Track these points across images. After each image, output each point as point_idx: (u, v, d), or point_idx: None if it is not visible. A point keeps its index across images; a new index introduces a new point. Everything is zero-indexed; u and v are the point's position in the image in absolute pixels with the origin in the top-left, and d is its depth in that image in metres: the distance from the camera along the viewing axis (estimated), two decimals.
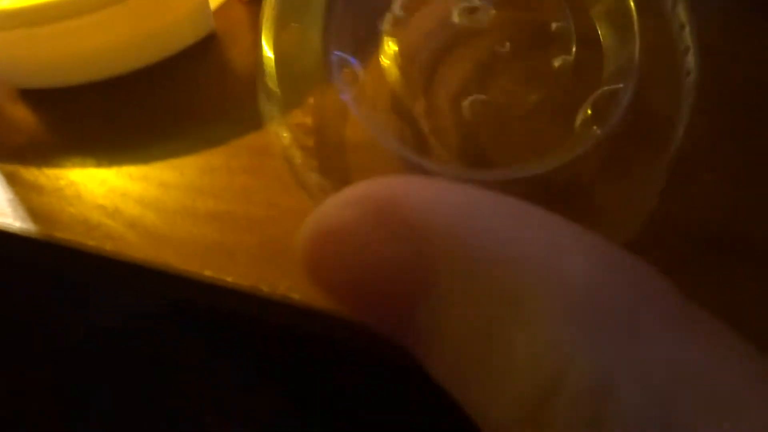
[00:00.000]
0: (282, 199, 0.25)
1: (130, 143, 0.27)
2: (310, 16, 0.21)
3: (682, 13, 0.19)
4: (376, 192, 0.11)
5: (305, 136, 0.20)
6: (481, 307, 0.10)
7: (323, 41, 0.20)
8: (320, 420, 0.45)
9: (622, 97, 0.18)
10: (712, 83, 0.19)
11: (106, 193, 0.26)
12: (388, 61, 0.19)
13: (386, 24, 0.19)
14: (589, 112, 0.18)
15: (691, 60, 0.19)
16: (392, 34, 0.19)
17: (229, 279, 0.23)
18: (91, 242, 0.25)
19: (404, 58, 0.19)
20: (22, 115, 0.29)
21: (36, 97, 0.29)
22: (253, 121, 0.26)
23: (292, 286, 0.23)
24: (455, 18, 0.19)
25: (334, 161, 0.20)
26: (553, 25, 0.20)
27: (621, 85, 0.19)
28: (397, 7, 0.19)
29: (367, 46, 0.20)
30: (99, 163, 0.27)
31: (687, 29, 0.19)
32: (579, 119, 0.18)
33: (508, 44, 0.19)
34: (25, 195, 0.26)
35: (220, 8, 0.30)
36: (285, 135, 0.19)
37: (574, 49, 0.19)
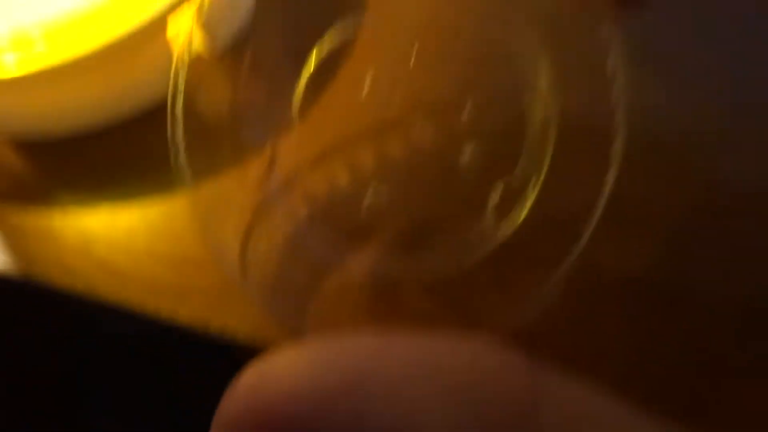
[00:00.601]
0: (237, 243, 0.28)
1: (105, 188, 0.30)
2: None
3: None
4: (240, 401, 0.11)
5: None
6: None
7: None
8: None
9: (528, 193, 0.19)
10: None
11: (78, 235, 0.29)
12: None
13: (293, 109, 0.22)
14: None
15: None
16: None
17: (182, 316, 0.26)
18: (65, 281, 0.28)
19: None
20: (2, 159, 0.32)
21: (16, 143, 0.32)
22: (215, 174, 0.29)
23: (239, 327, 0.26)
24: (363, 103, 0.21)
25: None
26: (465, 113, 0.21)
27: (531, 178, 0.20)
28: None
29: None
30: (74, 208, 0.30)
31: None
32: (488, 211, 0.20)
33: (417, 133, 0.21)
34: (4, 235, 0.29)
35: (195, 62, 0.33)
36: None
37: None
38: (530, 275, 0.20)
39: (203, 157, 0.24)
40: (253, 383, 0.11)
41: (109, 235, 0.29)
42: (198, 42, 0.24)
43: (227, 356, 0.26)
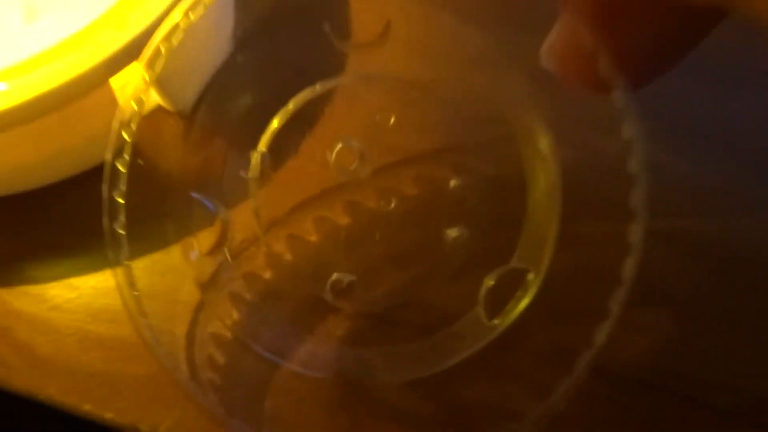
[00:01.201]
0: (178, 330, 0.24)
1: (34, 260, 0.26)
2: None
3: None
4: None
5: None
6: None
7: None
8: None
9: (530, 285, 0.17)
10: None
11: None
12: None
13: (252, 171, 0.19)
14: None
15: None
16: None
17: (108, 416, 0.22)
18: None
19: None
20: None
21: None
22: (158, 242, 0.26)
23: (173, 426, 0.22)
24: (332, 167, 0.18)
25: None
26: (452, 183, 0.19)
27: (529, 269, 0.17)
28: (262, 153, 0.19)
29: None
30: None
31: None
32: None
33: (394, 202, 0.18)
34: None
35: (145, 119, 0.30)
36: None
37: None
38: (532, 372, 0.17)
39: (144, 224, 0.21)
40: None
41: (32, 316, 0.25)
42: (148, 96, 0.21)
43: None
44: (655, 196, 0.16)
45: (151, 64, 0.21)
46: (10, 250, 0.28)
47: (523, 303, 0.17)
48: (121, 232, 0.20)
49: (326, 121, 0.19)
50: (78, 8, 0.26)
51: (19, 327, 0.25)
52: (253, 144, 0.20)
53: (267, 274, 0.20)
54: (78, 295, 0.25)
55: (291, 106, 0.19)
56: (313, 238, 0.19)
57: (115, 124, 0.21)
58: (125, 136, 0.21)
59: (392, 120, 0.18)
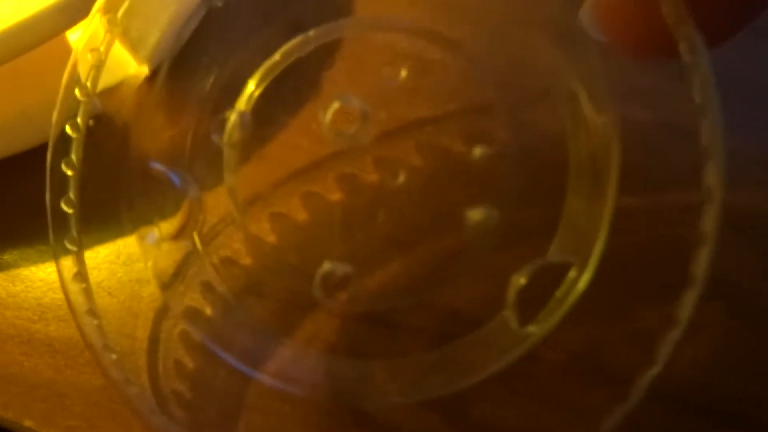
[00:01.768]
0: (139, 332, 0.20)
1: None
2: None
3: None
4: None
5: None
6: None
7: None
8: None
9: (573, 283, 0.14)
10: None
11: None
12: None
13: (228, 136, 0.15)
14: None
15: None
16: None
17: None
18: None
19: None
20: None
21: None
22: (123, 227, 0.22)
23: None
24: (326, 131, 0.15)
25: None
26: (476, 152, 0.15)
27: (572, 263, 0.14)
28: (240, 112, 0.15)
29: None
30: None
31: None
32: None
33: (402, 175, 0.15)
34: None
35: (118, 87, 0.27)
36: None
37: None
38: (575, 393, 0.13)
39: (103, 204, 0.18)
40: None
41: None
42: (107, 48, 0.18)
43: None
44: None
45: (110, 8, 0.17)
46: None
47: (565, 307, 0.13)
48: (68, 210, 0.17)
49: (321, 76, 0.16)
50: None
51: None
52: (231, 104, 0.16)
53: (244, 264, 0.16)
54: (24, 288, 0.22)
55: (278, 57, 0.16)
56: (301, 218, 0.15)
57: (67, 79, 0.17)
58: (78, 94, 0.17)
59: (403, 74, 0.15)
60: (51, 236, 0.16)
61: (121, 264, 0.20)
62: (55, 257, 0.16)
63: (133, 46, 0.21)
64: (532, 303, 0.14)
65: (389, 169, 0.15)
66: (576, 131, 0.14)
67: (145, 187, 0.17)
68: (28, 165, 0.24)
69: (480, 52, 0.16)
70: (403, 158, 0.15)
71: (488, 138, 0.15)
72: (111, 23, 0.18)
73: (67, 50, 0.22)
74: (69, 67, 0.18)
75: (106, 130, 0.18)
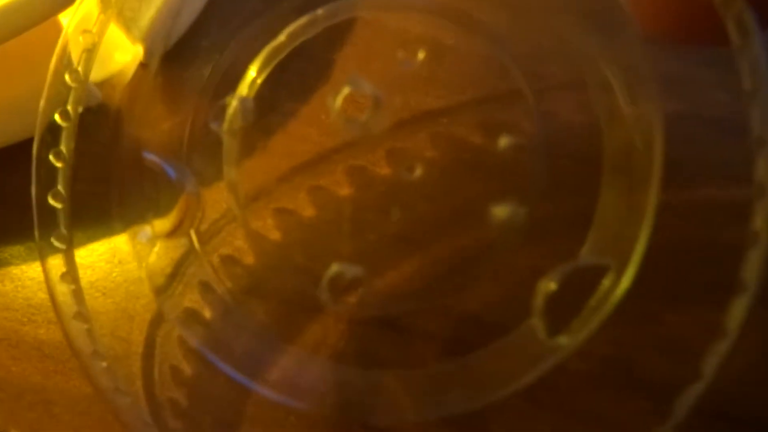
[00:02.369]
0: (134, 335, 0.19)
1: None
2: None
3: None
4: None
5: None
6: None
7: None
8: None
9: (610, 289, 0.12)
10: None
11: None
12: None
13: (229, 123, 0.14)
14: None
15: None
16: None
17: None
18: None
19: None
20: None
21: None
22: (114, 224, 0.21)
23: None
24: (335, 120, 0.13)
25: None
26: (501, 143, 0.14)
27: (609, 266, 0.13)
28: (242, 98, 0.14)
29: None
30: None
31: None
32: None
33: (417, 169, 0.14)
34: None
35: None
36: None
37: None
38: (612, 411, 0.12)
39: (96, 198, 0.17)
40: None
41: None
42: (101, 30, 0.17)
43: None
44: None
45: None
46: None
47: (600, 316, 0.12)
48: (56, 205, 0.15)
49: (330, 59, 0.14)
50: None
51: None
52: (232, 91, 0.15)
53: (245, 264, 0.15)
54: (14, 287, 0.21)
55: (283, 38, 0.14)
56: (308, 214, 0.14)
57: (56, 63, 0.16)
58: (68, 79, 0.16)
59: (420, 57, 0.14)
60: (36, 233, 0.15)
61: (117, 263, 0.19)
62: (41, 256, 0.15)
63: (127, 26, 0.20)
64: (562, 310, 0.12)
65: (403, 161, 0.13)
66: (611, 123, 0.13)
67: (137, 180, 0.16)
68: (18, 158, 0.23)
69: (503, 35, 0.15)
70: (419, 150, 0.14)
71: (512, 129, 0.14)
72: (105, 2, 0.16)
73: (59, 35, 0.21)
74: (58, 50, 0.17)
75: (96, 119, 0.17)
